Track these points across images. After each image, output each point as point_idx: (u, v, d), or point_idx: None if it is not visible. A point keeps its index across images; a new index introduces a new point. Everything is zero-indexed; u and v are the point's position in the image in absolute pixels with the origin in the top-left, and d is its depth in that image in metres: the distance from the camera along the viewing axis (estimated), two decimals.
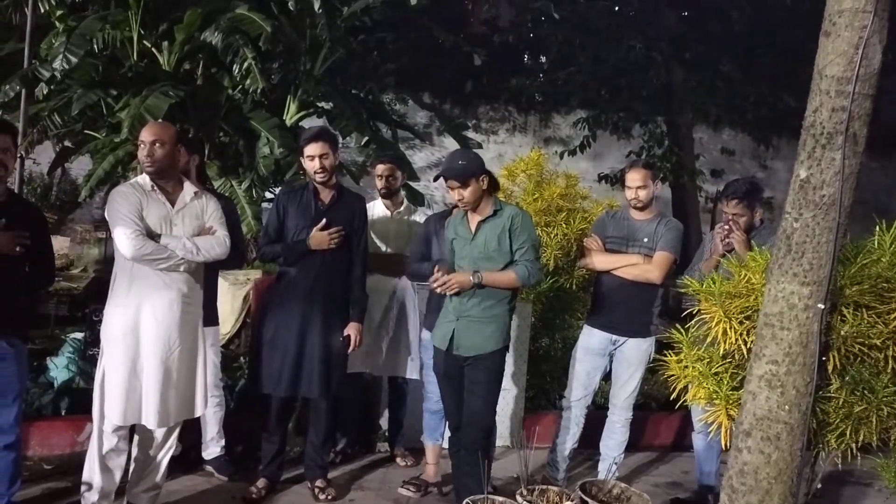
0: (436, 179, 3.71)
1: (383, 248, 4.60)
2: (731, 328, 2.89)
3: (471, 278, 3.57)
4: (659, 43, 10.64)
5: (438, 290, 3.65)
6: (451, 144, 11.49)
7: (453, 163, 3.61)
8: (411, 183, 6.99)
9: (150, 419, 3.35)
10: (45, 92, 6.61)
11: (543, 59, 13.37)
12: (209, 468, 4.32)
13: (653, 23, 10.89)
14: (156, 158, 3.38)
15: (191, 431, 4.22)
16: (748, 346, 2.85)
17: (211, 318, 4.09)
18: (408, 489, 4.27)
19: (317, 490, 4.09)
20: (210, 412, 4.19)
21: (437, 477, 4.33)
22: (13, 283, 3.23)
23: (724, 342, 2.91)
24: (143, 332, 3.32)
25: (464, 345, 3.67)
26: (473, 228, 3.67)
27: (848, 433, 2.85)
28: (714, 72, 10.76)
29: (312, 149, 3.91)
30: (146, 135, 3.39)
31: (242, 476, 4.23)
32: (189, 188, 3.54)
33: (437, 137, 13.40)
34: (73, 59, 6.02)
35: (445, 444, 4.27)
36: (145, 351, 3.32)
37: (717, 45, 10.86)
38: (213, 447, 4.32)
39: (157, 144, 3.37)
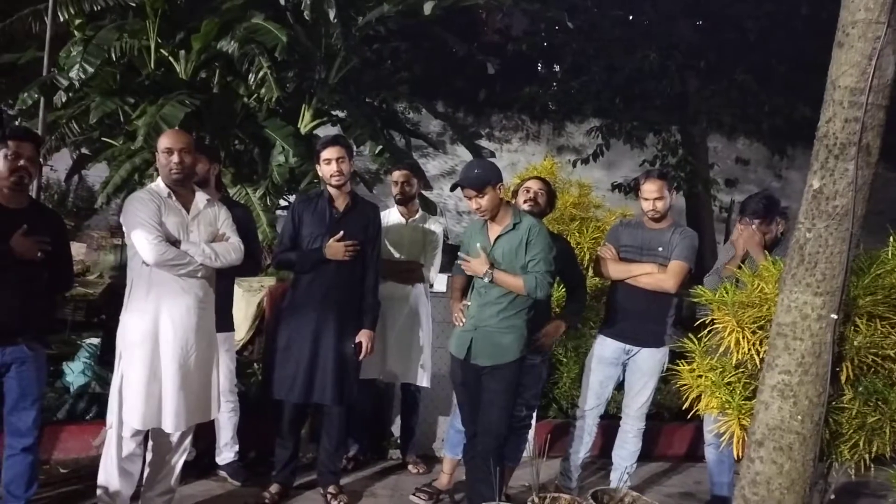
0: (453, 189, 3.73)
1: (397, 255, 4.62)
2: (743, 338, 2.89)
3: (485, 268, 3.60)
4: (673, 52, 10.63)
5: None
6: (464, 153, 11.52)
7: (469, 172, 3.63)
8: (424, 192, 7.01)
9: (167, 423, 3.38)
10: (63, 100, 6.70)
11: (557, 67, 13.39)
12: (222, 473, 4.34)
13: (667, 32, 10.89)
14: (185, 166, 3.43)
15: (205, 437, 4.26)
16: (761, 356, 2.84)
17: (226, 323, 4.13)
18: (420, 496, 4.28)
19: (329, 496, 4.10)
20: (224, 418, 4.23)
21: (450, 485, 4.34)
22: (33, 288, 3.28)
23: (737, 352, 2.91)
24: (162, 337, 3.35)
25: (481, 354, 3.68)
26: (492, 240, 3.68)
27: (861, 444, 2.84)
28: (729, 81, 10.73)
29: (329, 152, 3.95)
30: (173, 142, 3.42)
31: (255, 481, 4.26)
32: (201, 196, 3.59)
33: (450, 146, 13.44)
34: (90, 69, 6.10)
35: None
36: (164, 356, 3.36)
37: (731, 54, 10.84)
38: (226, 452, 4.35)
39: (185, 152, 3.42)
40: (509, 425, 3.77)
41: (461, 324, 3.80)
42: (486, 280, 3.61)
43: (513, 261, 3.62)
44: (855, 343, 2.74)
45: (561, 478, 4.41)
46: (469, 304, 3.79)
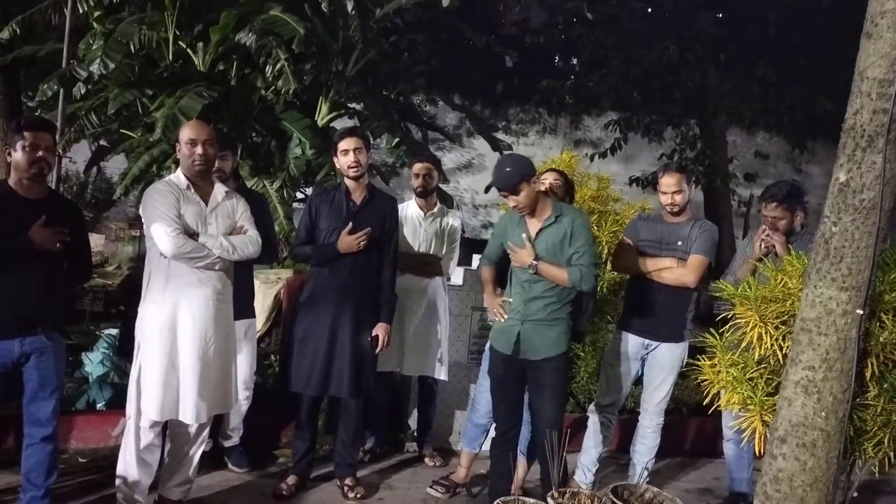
0: (487, 190, 3.65)
1: (415, 248, 4.60)
2: (766, 333, 2.85)
3: (531, 259, 3.54)
4: (693, 45, 10.54)
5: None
6: (480, 146, 11.51)
7: (501, 172, 3.54)
8: (441, 185, 6.99)
9: (186, 414, 3.39)
10: (82, 91, 6.73)
11: (575, 60, 13.33)
12: (225, 458, 4.36)
13: (687, 24, 10.79)
14: (209, 157, 3.45)
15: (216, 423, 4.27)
16: (784, 351, 2.81)
17: (248, 310, 4.16)
18: (436, 489, 4.27)
19: (346, 488, 4.10)
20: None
21: (467, 479, 4.33)
22: (53, 278, 3.28)
23: (760, 347, 2.88)
24: (181, 329, 3.36)
25: (531, 348, 3.62)
26: (534, 234, 3.60)
27: (886, 441, 2.80)
28: (749, 74, 10.62)
29: (347, 143, 3.94)
30: (197, 134, 3.42)
31: (258, 468, 4.33)
32: (220, 188, 3.59)
33: (466, 139, 13.42)
34: (112, 63, 6.12)
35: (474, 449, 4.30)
36: (182, 347, 3.37)
37: (752, 47, 10.73)
38: (232, 437, 4.38)
39: (209, 143, 3.43)
40: (563, 416, 3.75)
41: (503, 319, 3.71)
42: (531, 272, 3.56)
43: (557, 254, 3.55)
44: (881, 339, 2.71)
45: (578, 473, 4.38)
46: (510, 300, 3.69)
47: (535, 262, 3.54)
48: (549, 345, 3.61)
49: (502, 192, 3.55)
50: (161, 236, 3.28)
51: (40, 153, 3.18)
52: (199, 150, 3.40)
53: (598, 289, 5.22)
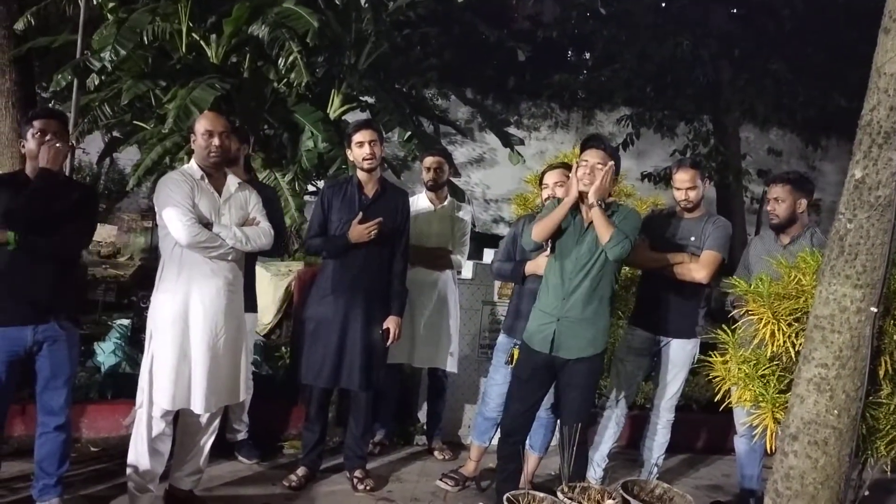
0: (583, 146, 3.61)
1: (426, 241, 4.60)
2: (779, 330, 2.83)
3: (595, 199, 3.44)
4: (707, 40, 10.48)
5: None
6: (492, 140, 11.49)
7: (608, 143, 3.64)
8: (453, 179, 6.98)
9: (197, 404, 3.40)
10: (96, 83, 6.75)
11: (587, 55, 13.28)
12: (235, 452, 4.38)
13: (701, 19, 10.74)
14: (225, 148, 3.47)
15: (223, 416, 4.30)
16: (797, 348, 2.79)
17: (251, 305, 4.17)
18: (446, 483, 4.27)
19: (356, 480, 4.12)
20: None
21: (476, 472, 4.33)
22: (64, 266, 3.30)
23: (772, 344, 2.86)
24: (192, 319, 3.37)
25: (566, 347, 3.57)
26: (586, 224, 3.56)
27: None
28: (763, 70, 10.56)
29: (362, 135, 3.94)
30: (213, 125, 3.43)
31: (268, 460, 4.35)
32: (233, 179, 3.60)
33: (478, 133, 13.41)
34: (122, 51, 6.13)
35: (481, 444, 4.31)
36: (194, 337, 3.37)
37: (766, 43, 10.67)
38: (239, 430, 4.41)
39: (224, 135, 3.45)
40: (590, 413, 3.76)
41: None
42: (594, 201, 3.43)
43: (599, 248, 3.51)
44: (895, 337, 2.68)
45: (588, 468, 4.37)
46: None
47: (597, 200, 3.45)
48: (584, 345, 3.56)
49: (589, 155, 3.51)
50: (176, 225, 3.29)
51: (49, 138, 3.20)
52: (215, 141, 3.41)
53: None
